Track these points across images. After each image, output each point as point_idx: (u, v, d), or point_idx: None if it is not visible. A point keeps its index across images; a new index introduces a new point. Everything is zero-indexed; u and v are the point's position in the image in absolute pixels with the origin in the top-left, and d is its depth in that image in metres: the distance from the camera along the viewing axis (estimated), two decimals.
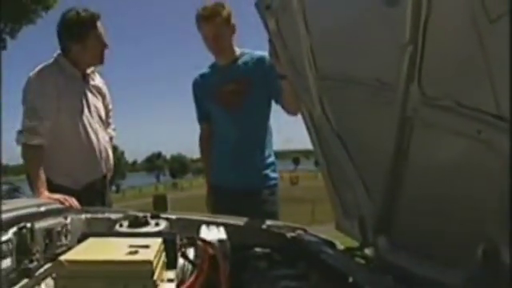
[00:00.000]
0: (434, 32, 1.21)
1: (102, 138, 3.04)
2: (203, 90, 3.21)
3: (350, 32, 1.61)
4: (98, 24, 2.94)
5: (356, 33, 1.57)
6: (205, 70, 3.26)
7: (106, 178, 3.14)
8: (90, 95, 3.04)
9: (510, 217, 1.02)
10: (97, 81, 3.15)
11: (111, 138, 3.26)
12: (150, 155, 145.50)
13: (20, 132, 2.75)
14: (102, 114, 3.12)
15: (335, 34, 1.74)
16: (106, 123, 3.16)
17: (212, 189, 3.29)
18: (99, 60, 3.02)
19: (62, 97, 2.86)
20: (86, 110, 2.98)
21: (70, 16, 2.93)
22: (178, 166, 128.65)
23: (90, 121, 2.99)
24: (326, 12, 1.76)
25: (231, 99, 3.06)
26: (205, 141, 3.33)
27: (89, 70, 3.07)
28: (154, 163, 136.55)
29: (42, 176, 2.66)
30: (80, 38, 2.91)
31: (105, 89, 3.22)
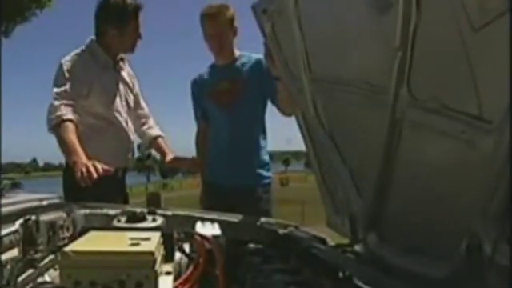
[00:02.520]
0: (422, 39, 1.28)
1: (130, 127, 3.08)
2: (200, 88, 3.28)
3: (343, 36, 1.68)
4: (140, 15, 2.98)
5: (349, 37, 1.64)
6: (204, 70, 3.34)
7: (126, 170, 3.19)
8: (120, 84, 3.07)
9: (511, 217, 1.09)
10: (126, 70, 3.17)
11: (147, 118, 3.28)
12: (140, 155, 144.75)
13: (50, 114, 2.73)
14: (131, 103, 3.14)
15: (329, 38, 1.80)
16: (133, 111, 3.17)
17: (206, 186, 3.35)
18: (131, 49, 3.05)
19: (94, 84, 2.89)
20: (117, 99, 3.01)
21: (115, 1, 2.94)
22: (169, 166, 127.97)
23: (120, 110, 3.01)
24: (320, 17, 1.83)
25: (226, 98, 3.13)
26: (201, 139, 3.40)
27: (118, 57, 3.08)
28: (144, 163, 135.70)
29: (76, 146, 2.60)
30: (120, 24, 2.93)
31: (133, 77, 3.23)
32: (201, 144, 3.42)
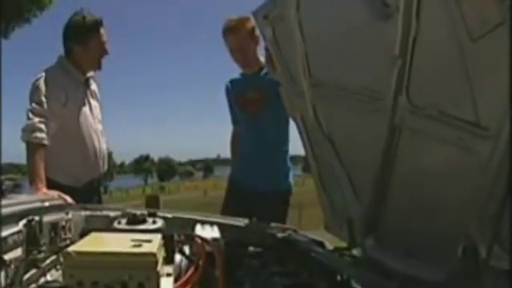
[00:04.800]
0: (421, 47, 1.31)
1: (101, 138, 3.13)
2: (231, 95, 3.39)
3: (344, 44, 1.70)
4: (102, 30, 3.04)
5: (350, 45, 1.67)
6: (236, 76, 3.42)
7: (101, 178, 3.25)
8: (91, 99, 3.16)
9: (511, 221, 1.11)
10: (94, 84, 3.25)
11: None
12: (138, 157, 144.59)
13: (24, 129, 2.82)
14: (100, 116, 3.21)
15: (330, 44, 1.83)
16: (102, 124, 3.25)
17: (231, 185, 3.44)
18: (97, 65, 3.12)
19: (69, 100, 2.96)
20: (88, 113, 3.09)
21: (75, 19, 3.03)
22: (166, 169, 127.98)
23: (92, 122, 3.08)
24: (321, 23, 1.85)
25: (252, 107, 3.23)
26: (235, 142, 3.50)
27: (89, 75, 3.15)
28: (141, 165, 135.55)
29: (42, 173, 2.72)
30: (82, 40, 3.00)
31: (98, 92, 3.31)
32: (235, 147, 3.51)
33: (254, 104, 3.22)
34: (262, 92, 3.18)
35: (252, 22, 3.14)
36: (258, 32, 3.17)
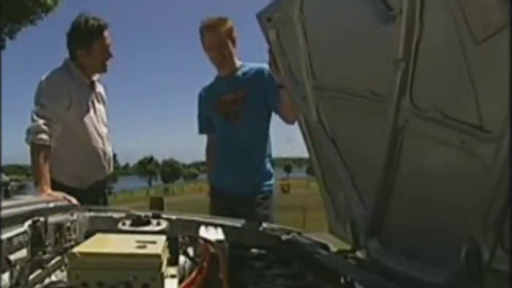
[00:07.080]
0: (424, 51, 1.31)
1: (106, 141, 3.15)
2: (205, 100, 3.35)
3: (348, 46, 1.71)
4: (105, 33, 3.05)
5: (353, 48, 1.67)
6: (208, 82, 3.40)
7: (106, 180, 3.28)
8: (96, 102, 3.17)
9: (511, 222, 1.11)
10: (100, 87, 3.26)
11: None
12: (142, 159, 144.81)
13: (28, 131, 2.83)
14: (105, 118, 3.23)
15: (333, 47, 1.84)
16: (108, 127, 3.26)
17: (211, 191, 3.40)
18: (102, 68, 3.13)
19: (74, 103, 2.98)
20: (93, 116, 3.10)
21: (78, 22, 3.04)
22: (170, 171, 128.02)
23: (97, 125, 3.10)
24: (324, 26, 1.86)
25: (229, 108, 3.19)
26: (212, 150, 3.45)
27: (95, 78, 3.17)
28: (145, 167, 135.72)
29: (47, 174, 2.74)
30: (85, 45, 3.02)
31: (105, 94, 3.33)
32: (211, 155, 3.48)
33: (232, 105, 3.19)
34: (239, 92, 3.17)
35: (230, 22, 3.15)
36: (235, 33, 3.19)
